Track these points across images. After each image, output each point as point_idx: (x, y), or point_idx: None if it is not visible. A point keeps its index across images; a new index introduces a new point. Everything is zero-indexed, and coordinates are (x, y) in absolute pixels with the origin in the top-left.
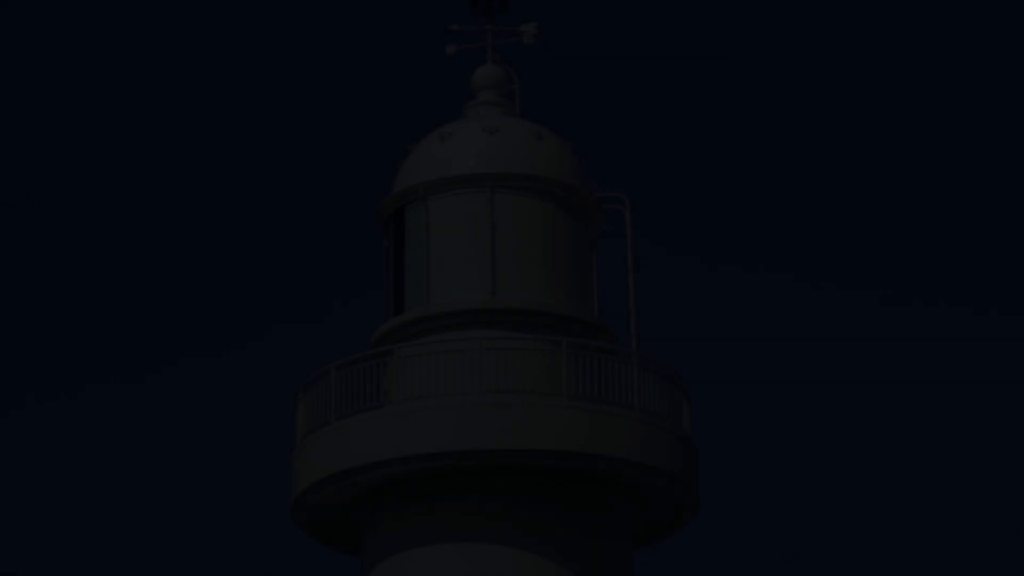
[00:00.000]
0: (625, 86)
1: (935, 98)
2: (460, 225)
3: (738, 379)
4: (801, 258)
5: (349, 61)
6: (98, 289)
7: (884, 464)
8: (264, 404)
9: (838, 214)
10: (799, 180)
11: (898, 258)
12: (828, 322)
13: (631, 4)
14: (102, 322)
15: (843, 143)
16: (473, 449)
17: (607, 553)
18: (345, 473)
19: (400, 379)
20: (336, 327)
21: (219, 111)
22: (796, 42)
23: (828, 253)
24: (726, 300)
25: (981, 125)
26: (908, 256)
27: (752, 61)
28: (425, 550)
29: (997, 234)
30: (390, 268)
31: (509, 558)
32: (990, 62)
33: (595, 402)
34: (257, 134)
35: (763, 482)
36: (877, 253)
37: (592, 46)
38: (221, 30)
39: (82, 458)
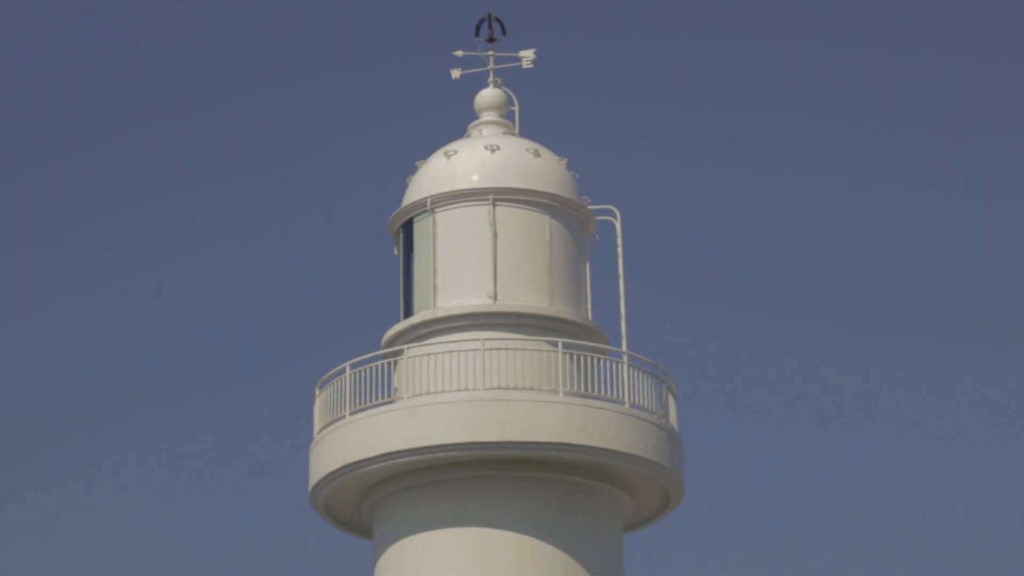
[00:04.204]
0: (616, 108)
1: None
2: (464, 235)
3: (721, 377)
4: (783, 261)
5: (364, 85)
6: (138, 291)
7: (864, 457)
8: (284, 400)
9: (815, 222)
10: (775, 193)
11: (883, 258)
12: (811, 321)
13: (621, 34)
14: (144, 322)
15: (818, 158)
16: (475, 441)
17: (599, 537)
18: (358, 463)
19: (409, 377)
20: (350, 329)
21: (254, 131)
22: (777, 63)
23: (810, 255)
24: (711, 303)
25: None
26: (893, 256)
27: (731, 83)
28: (432, 534)
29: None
30: (400, 275)
31: (508, 542)
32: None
33: (588, 398)
34: (280, 152)
35: (744, 472)
36: (859, 254)
37: (586, 71)
38: (246, 56)
39: (119, 447)
